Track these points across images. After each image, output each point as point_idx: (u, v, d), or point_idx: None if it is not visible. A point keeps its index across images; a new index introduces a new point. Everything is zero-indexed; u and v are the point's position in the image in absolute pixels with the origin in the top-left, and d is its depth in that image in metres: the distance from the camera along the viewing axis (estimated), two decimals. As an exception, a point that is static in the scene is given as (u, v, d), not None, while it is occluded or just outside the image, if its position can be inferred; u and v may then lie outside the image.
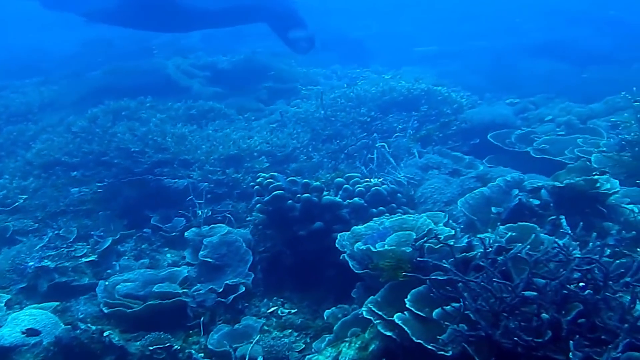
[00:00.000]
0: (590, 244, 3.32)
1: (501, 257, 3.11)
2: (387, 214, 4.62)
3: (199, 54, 11.99)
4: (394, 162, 6.04)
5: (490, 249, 3.37)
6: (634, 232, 3.84)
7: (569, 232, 4.01)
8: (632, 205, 4.40)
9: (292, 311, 4.18)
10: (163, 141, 6.31)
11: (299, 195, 4.51)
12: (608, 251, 3.83)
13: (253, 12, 9.51)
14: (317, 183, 4.63)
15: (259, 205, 4.56)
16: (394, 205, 4.81)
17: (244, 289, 4.21)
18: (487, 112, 7.57)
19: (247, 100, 8.22)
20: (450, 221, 4.10)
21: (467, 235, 3.79)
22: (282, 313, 4.13)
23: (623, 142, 5.35)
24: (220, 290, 4.18)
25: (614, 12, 19.26)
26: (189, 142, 6.28)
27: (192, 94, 8.96)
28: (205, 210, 5.63)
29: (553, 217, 4.22)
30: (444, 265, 3.08)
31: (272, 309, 4.20)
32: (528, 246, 3.12)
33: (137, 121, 6.88)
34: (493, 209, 4.46)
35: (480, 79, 11.83)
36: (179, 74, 9.74)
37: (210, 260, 4.46)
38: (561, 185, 4.36)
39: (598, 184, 4.35)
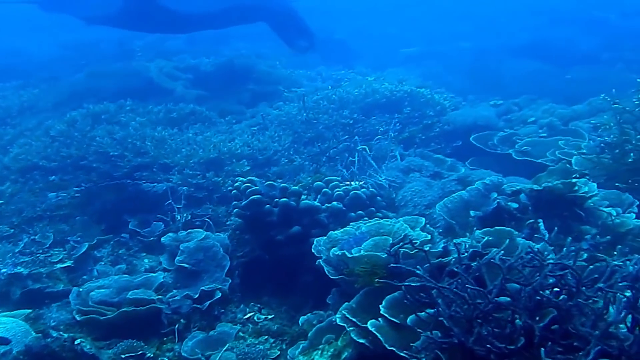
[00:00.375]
0: (565, 249, 3.31)
1: (475, 263, 3.08)
2: (366, 218, 4.60)
3: (183, 56, 11.92)
4: (375, 165, 6.02)
5: (465, 255, 3.36)
6: (609, 237, 3.82)
7: (546, 236, 4.00)
8: (610, 208, 4.40)
9: (269, 317, 4.13)
10: (142, 145, 6.24)
11: (276, 199, 4.47)
12: (585, 255, 3.85)
13: (253, 11, 9.50)
14: (295, 187, 4.59)
15: (236, 210, 4.51)
16: (373, 209, 4.78)
17: (220, 294, 4.16)
18: (469, 114, 7.57)
19: (229, 102, 8.17)
20: (428, 226, 4.07)
21: (443, 240, 3.77)
22: (258, 319, 4.08)
23: (602, 145, 5.34)
24: (196, 296, 4.12)
25: (599, 12, 19.39)
26: (168, 146, 6.22)
27: (175, 97, 8.89)
28: (185, 215, 5.58)
29: (531, 220, 4.21)
30: (417, 271, 3.05)
31: (249, 315, 4.14)
32: (502, 252, 3.10)
33: (117, 125, 6.80)
34: (472, 213, 4.44)
35: (465, 80, 11.86)
36: (162, 77, 9.66)
37: (187, 265, 4.40)
38: (539, 188, 4.35)
39: (576, 187, 4.34)
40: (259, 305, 4.30)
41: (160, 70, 9.81)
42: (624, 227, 4.17)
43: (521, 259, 3.03)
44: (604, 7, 19.65)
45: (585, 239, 3.44)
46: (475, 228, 3.85)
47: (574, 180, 4.38)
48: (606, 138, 5.68)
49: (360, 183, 5.63)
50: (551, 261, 2.99)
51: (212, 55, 11.89)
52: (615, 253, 4.08)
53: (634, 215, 4.35)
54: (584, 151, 5.84)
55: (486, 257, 3.08)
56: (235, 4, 9.21)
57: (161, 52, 13.68)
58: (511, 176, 6.18)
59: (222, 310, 4.16)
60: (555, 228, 3.86)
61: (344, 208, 4.62)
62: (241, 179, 4.70)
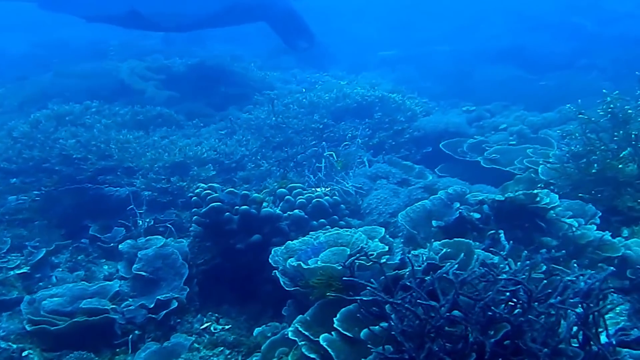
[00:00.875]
0: (519, 263, 3.29)
1: (429, 277, 3.04)
2: (328, 227, 4.55)
3: (157, 56, 11.77)
4: (342, 172, 5.97)
5: (420, 267, 3.32)
6: (568, 249, 3.82)
7: (507, 247, 3.99)
8: (572, 220, 4.40)
9: (227, 327, 4.05)
10: (107, 148, 6.12)
11: (237, 207, 4.39)
12: (544, 267, 3.84)
13: (254, 11, 9.47)
14: (257, 195, 4.52)
15: (195, 217, 4.43)
16: (335, 217, 4.73)
17: (176, 304, 4.06)
18: (440, 120, 7.56)
19: (198, 105, 8.05)
20: (388, 236, 4.03)
21: (400, 252, 3.73)
22: (215, 329, 3.99)
23: (567, 155, 5.36)
24: (152, 305, 4.03)
25: (577, 18, 19.58)
26: (133, 149, 6.10)
27: (146, 98, 8.75)
28: (148, 220, 5.48)
29: (492, 231, 4.20)
30: (368, 285, 3.00)
31: (206, 325, 4.06)
32: (456, 265, 3.06)
33: (82, 127, 6.66)
34: (434, 223, 4.41)
35: (439, 85, 11.88)
36: (134, 77, 9.50)
37: (144, 274, 4.30)
38: (502, 199, 4.34)
39: (538, 198, 4.33)
40: (217, 314, 4.22)
41: (132, 71, 9.64)
42: (585, 238, 4.19)
43: (474, 273, 3.00)
44: (582, 14, 19.87)
45: (541, 252, 3.41)
46: (433, 240, 3.80)
47: (535, 191, 4.37)
48: (572, 148, 5.71)
49: (327, 190, 5.59)
50: (504, 276, 2.97)
51: (186, 55, 11.75)
52: (575, 265, 4.11)
53: (595, 227, 4.37)
54: (552, 160, 5.85)
55: (439, 271, 3.04)
56: (236, 4, 9.15)
57: (136, 52, 13.50)
58: (479, 184, 6.18)
59: (179, 320, 4.07)
60: (510, 243, 3.86)
61: (306, 216, 4.57)
62: (202, 185, 4.62)
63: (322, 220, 4.61)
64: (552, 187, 5.32)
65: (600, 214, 4.68)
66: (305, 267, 3.45)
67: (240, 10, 9.33)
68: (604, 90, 5.35)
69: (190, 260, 4.56)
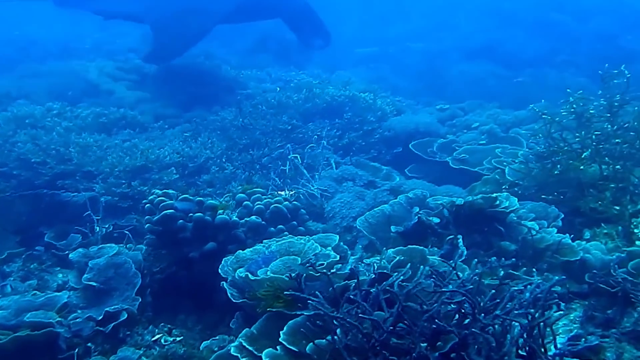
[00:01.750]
0: (467, 272, 3.23)
1: (374, 289, 2.96)
2: (286, 233, 4.46)
3: (130, 56, 11.59)
4: (307, 174, 5.88)
5: (370, 277, 3.24)
6: (513, 259, 3.74)
7: (464, 252, 3.92)
8: (532, 223, 4.35)
9: (178, 339, 3.93)
10: (66, 151, 5.98)
11: (191, 214, 4.28)
12: (502, 272, 3.78)
13: (271, 7, 9.37)
14: (212, 201, 4.42)
15: (148, 225, 4.31)
16: (295, 223, 4.64)
17: (126, 315, 3.95)
18: (410, 120, 7.49)
19: (167, 105, 7.90)
20: (342, 243, 3.94)
21: (353, 261, 3.65)
22: (165, 341, 3.88)
23: (531, 156, 5.31)
24: (100, 317, 3.90)
25: (556, 14, 19.58)
26: (93, 153, 5.95)
27: (115, 99, 8.60)
28: (107, 226, 5.35)
29: (451, 236, 4.12)
30: (309, 298, 2.91)
31: (157, 337, 3.95)
32: (402, 277, 2.99)
33: (42, 130, 6.49)
34: (392, 228, 4.33)
35: (415, 83, 11.81)
36: (103, 78, 9.34)
37: (95, 284, 4.18)
38: (460, 203, 4.27)
39: (497, 202, 4.27)
40: (170, 325, 4.10)
41: (101, 71, 9.48)
42: (544, 242, 4.13)
43: (420, 284, 2.93)
44: (560, 9, 19.88)
45: (490, 261, 3.34)
46: (391, 246, 3.72)
47: (494, 195, 4.31)
48: (538, 148, 5.66)
49: (291, 193, 5.51)
50: (450, 287, 2.89)
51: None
52: (535, 269, 4.05)
53: (556, 230, 4.31)
54: (520, 160, 5.78)
55: (385, 282, 2.96)
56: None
57: (110, 51, 13.31)
58: (447, 185, 6.13)
59: (128, 332, 3.95)
60: (467, 248, 3.79)
61: (263, 222, 4.47)
62: (157, 191, 4.50)
63: (281, 226, 4.52)
64: (516, 189, 5.28)
65: (563, 215, 4.64)
66: (252, 278, 3.36)
67: (258, 5, 9.22)
68: (567, 90, 5.29)
69: (145, 269, 4.44)
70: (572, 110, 5.04)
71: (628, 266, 3.86)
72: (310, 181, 5.79)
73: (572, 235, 4.35)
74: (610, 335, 3.44)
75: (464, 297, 2.75)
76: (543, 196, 4.91)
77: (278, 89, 9.16)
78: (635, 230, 4.23)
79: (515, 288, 2.90)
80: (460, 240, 4.03)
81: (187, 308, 4.35)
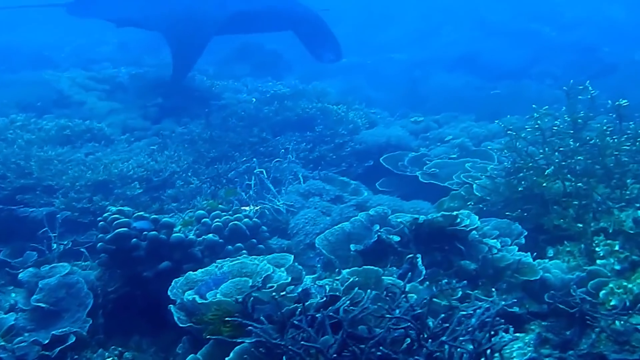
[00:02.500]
0: (414, 296, 3.16)
1: (320, 315, 2.87)
2: (244, 252, 4.37)
3: (105, 65, 11.47)
4: (274, 189, 5.79)
5: (318, 301, 3.15)
6: (464, 282, 3.68)
7: (422, 273, 3.86)
8: (495, 240, 4.30)
9: (129, 363, 3.82)
10: (27, 165, 5.83)
11: (145, 232, 4.17)
12: (460, 293, 3.71)
13: (282, 19, 9.36)
14: (168, 219, 4.32)
15: (100, 244, 4.19)
16: (254, 240, 4.55)
17: (74, 338, 3.82)
18: (382, 133, 7.44)
19: (136, 117, 7.78)
20: (296, 264, 3.85)
21: (309, 282, 3.57)
22: (115, 366, 3.77)
23: (495, 171, 5.27)
24: (47, 341, 3.77)
25: (535, 24, 19.74)
26: (54, 167, 5.82)
27: (85, 110, 8.47)
28: (65, 242, 5.22)
29: (411, 255, 4.05)
30: (251, 325, 2.83)
31: (107, 361, 3.83)
32: (347, 302, 2.90)
33: (4, 142, 6.34)
34: (352, 247, 4.25)
35: (392, 94, 11.78)
36: (75, 88, 9.19)
37: (44, 305, 4.05)
38: (420, 221, 4.20)
39: (458, 220, 4.21)
40: (121, 348, 3.97)
41: (73, 81, 9.33)
42: (504, 261, 4.08)
43: (366, 309, 2.85)
44: (541, 20, 20.05)
45: (440, 284, 3.27)
46: (336, 270, 3.64)
47: (455, 212, 4.24)
48: (505, 164, 5.63)
49: (256, 208, 5.42)
50: (397, 312, 2.82)
51: (135, 64, 11.47)
52: (494, 289, 3.99)
53: (517, 248, 4.26)
54: (489, 175, 5.74)
55: (330, 308, 2.88)
56: (266, 11, 8.98)
57: (87, 59, 13.17)
58: (416, 200, 6.07)
59: (76, 357, 3.82)
60: (427, 267, 3.72)
61: (220, 240, 4.37)
62: (112, 208, 4.39)
63: (239, 244, 4.43)
64: (481, 205, 5.23)
65: (526, 233, 4.60)
66: (200, 301, 3.26)
67: (270, 17, 9.19)
68: (533, 106, 5.26)
69: (100, 288, 4.32)
70: (537, 126, 5.00)
71: (588, 286, 3.83)
72: (276, 196, 5.70)
73: (534, 254, 4.31)
74: (567, 357, 3.40)
75: (406, 324, 2.68)
76: (507, 213, 4.86)
77: (254, 100, 9.08)
78: (597, 249, 4.19)
79: (463, 313, 2.82)
80: (420, 259, 3.96)
81: (142, 329, 4.22)
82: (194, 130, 7.05)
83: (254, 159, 6.09)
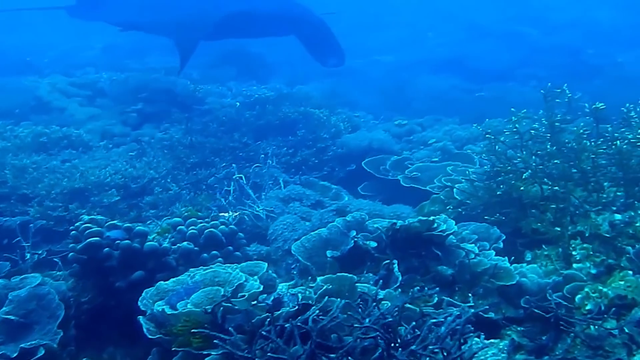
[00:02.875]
0: (388, 303, 3.12)
1: (288, 325, 2.82)
2: (220, 259, 4.32)
3: (88, 70, 11.38)
4: (253, 195, 5.74)
5: (284, 312, 3.10)
6: (437, 288, 3.63)
7: (398, 279, 3.82)
8: (472, 245, 4.27)
9: (98, 376, 3.75)
10: (1, 173, 5.75)
11: (118, 241, 4.11)
12: (436, 299, 3.67)
13: (286, 24, 9.27)
14: (141, 227, 4.25)
15: (72, 254, 4.12)
16: (230, 248, 4.49)
17: (43, 351, 3.74)
18: (364, 137, 7.42)
19: (116, 123, 7.70)
20: (270, 271, 3.81)
21: (279, 290, 3.52)
22: (85, 378, 3.69)
23: (474, 175, 5.25)
24: (15, 355, 3.69)
25: (522, 27, 19.81)
26: (29, 175, 5.73)
27: (66, 116, 8.38)
28: (40, 252, 5.14)
29: (387, 261, 4.01)
30: (218, 336, 2.77)
31: (77, 373, 3.76)
32: (317, 311, 2.86)
33: (-20, 150, 6.27)
34: (328, 253, 4.21)
35: (377, 97, 11.75)
36: (55, 94, 9.10)
37: (14, 317, 3.96)
38: (396, 227, 4.16)
39: (435, 225, 4.18)
40: (91, 360, 3.90)
41: (53, 87, 9.24)
42: (481, 266, 4.05)
43: (336, 318, 2.80)
44: (528, 23, 20.13)
45: (412, 291, 3.23)
46: (310, 278, 3.60)
47: (432, 217, 4.21)
48: (485, 167, 5.61)
49: (235, 214, 5.37)
50: (367, 321, 2.77)
51: (118, 70, 11.37)
52: (470, 295, 3.96)
53: (494, 253, 4.24)
54: (469, 178, 5.71)
55: (299, 318, 2.83)
56: (267, 15, 8.94)
57: (69, 65, 13.07)
58: (397, 204, 6.05)
59: (45, 370, 3.74)
60: (398, 276, 3.69)
61: (195, 248, 4.31)
62: (84, 217, 4.32)
63: (215, 252, 4.36)
64: (460, 209, 5.21)
65: (505, 237, 4.58)
66: (169, 312, 3.20)
67: (271, 22, 9.14)
68: (512, 109, 5.24)
69: (73, 299, 4.24)
70: (515, 129, 4.99)
71: (564, 290, 3.81)
72: (255, 202, 5.65)
73: (512, 258, 4.29)
74: (542, 363, 3.38)
75: (376, 334, 2.64)
76: (486, 217, 4.84)
77: (238, 104, 9.01)
78: (574, 253, 4.18)
79: (434, 320, 2.78)
80: (396, 265, 3.92)
81: (116, 340, 4.16)
82: (174, 135, 6.99)
83: (233, 165, 6.02)
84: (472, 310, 2.81)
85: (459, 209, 5.16)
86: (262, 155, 6.50)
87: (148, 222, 5.48)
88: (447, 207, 5.24)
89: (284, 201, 5.76)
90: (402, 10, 22.94)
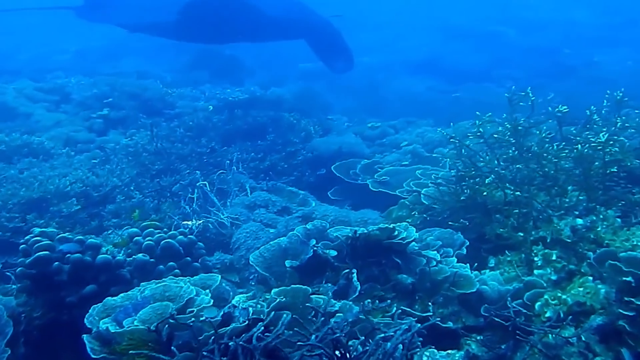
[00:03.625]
0: (340, 315, 3.04)
1: (232, 343, 2.72)
2: (178, 271, 4.21)
3: (57, 74, 11.17)
4: (218, 202, 5.62)
5: (228, 330, 2.99)
6: (388, 301, 3.57)
7: (357, 289, 3.74)
8: (434, 252, 4.20)
9: (48, 394, 3.62)
10: (-43, 184, 5.59)
11: (69, 255, 3.98)
12: (395, 308, 3.60)
13: (294, 28, 9.17)
14: (94, 239, 4.12)
15: (20, 269, 3.98)
16: (188, 259, 4.38)
17: (-11, 371, 3.61)
18: (334, 140, 7.34)
19: (80, 130, 7.53)
20: (224, 284, 3.70)
21: (231, 304, 3.41)
22: (32, 399, 3.56)
23: (439, 180, 5.19)
24: (-41, 376, 3.56)
25: (499, 27, 19.89)
26: (-16, 185, 5.59)
27: (31, 122, 8.20)
28: (-6, 265, 4.99)
29: (347, 270, 3.93)
30: (161, 356, 2.67)
31: (25, 394, 3.62)
32: (262, 328, 2.76)
33: (-64, 160, 6.09)
34: (287, 263, 4.11)
35: (353, 100, 11.69)
36: (21, 99, 8.91)
37: (-40, 336, 3.83)
38: (356, 235, 4.08)
39: (395, 233, 4.10)
40: (42, 379, 3.78)
41: (20, 92, 9.04)
42: (441, 274, 3.98)
43: (281, 335, 2.71)
44: (505, 23, 20.22)
45: (364, 303, 3.15)
46: (263, 292, 3.50)
47: (392, 225, 4.14)
48: (452, 171, 5.55)
49: (199, 222, 5.26)
50: (313, 337, 2.69)
51: (88, 73, 11.19)
52: (430, 303, 3.89)
53: (456, 260, 4.17)
54: (435, 182, 5.66)
55: (244, 335, 2.73)
56: (277, 19, 8.81)
57: (40, 68, 12.83)
58: (366, 209, 5.99)
59: (-8, 390, 3.61)
60: (356, 286, 3.61)
61: (151, 260, 4.20)
62: (35, 229, 4.18)
63: (172, 263, 4.25)
64: (425, 215, 5.15)
65: (468, 243, 4.51)
66: (113, 330, 3.09)
67: (281, 26, 9.01)
68: (477, 113, 5.19)
69: (24, 315, 4.10)
70: (479, 133, 4.93)
71: (524, 297, 3.75)
72: (220, 209, 5.53)
73: (476, 264, 4.24)
74: (501, 373, 3.31)
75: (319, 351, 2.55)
76: (450, 222, 4.78)
77: (211, 107, 8.89)
78: (535, 259, 4.12)
79: (382, 335, 2.70)
80: (355, 275, 3.84)
81: (68, 357, 4.03)
82: (139, 142, 6.85)
83: (197, 171, 5.91)
84: (419, 325, 2.72)
85: (424, 215, 5.09)
86: (227, 162, 6.38)
87: (109, 232, 5.36)
88: (413, 213, 5.17)
89: (249, 208, 5.66)
90: (380, 11, 22.92)
